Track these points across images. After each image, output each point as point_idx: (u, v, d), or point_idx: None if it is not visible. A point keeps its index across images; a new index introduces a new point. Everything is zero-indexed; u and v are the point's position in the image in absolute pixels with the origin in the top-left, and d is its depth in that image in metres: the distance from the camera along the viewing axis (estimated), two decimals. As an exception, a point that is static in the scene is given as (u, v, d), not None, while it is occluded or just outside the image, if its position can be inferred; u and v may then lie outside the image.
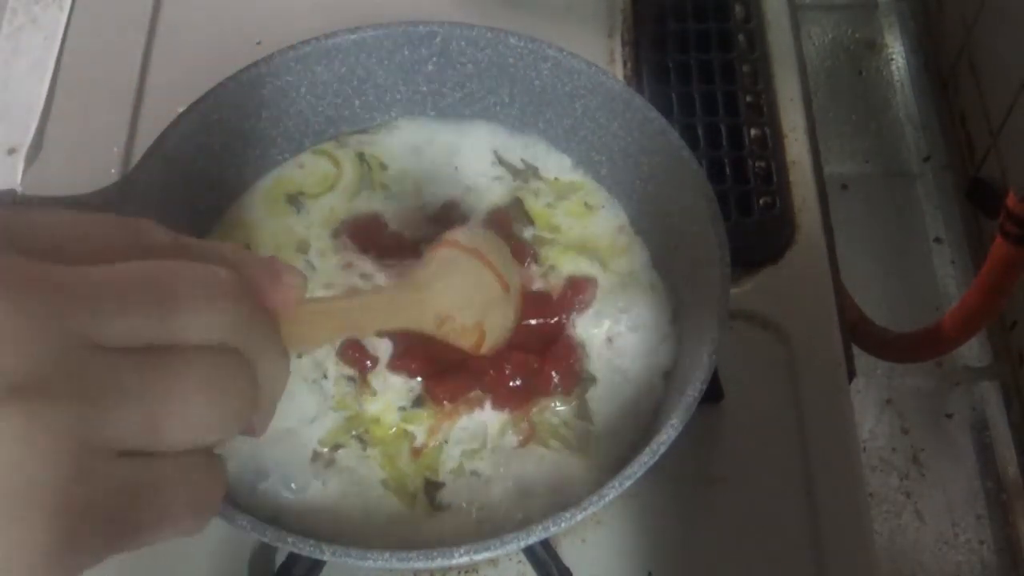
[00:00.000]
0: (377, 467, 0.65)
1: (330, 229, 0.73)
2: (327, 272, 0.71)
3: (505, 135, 0.77)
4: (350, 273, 0.71)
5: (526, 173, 0.76)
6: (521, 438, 0.66)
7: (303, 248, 0.72)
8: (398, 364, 0.67)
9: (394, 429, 0.66)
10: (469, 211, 0.74)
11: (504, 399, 0.66)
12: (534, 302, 0.70)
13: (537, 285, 0.71)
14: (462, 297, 0.56)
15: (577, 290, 0.70)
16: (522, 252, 0.71)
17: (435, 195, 0.75)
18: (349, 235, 0.72)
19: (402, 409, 0.66)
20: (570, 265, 0.71)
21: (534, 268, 0.71)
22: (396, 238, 0.72)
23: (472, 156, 0.76)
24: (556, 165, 0.76)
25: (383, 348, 0.68)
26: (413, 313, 0.55)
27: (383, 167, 0.76)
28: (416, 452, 0.65)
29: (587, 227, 0.74)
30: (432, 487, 0.65)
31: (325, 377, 0.67)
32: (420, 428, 0.66)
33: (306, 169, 0.76)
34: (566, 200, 0.75)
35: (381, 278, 0.70)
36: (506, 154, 0.76)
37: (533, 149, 0.76)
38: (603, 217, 0.74)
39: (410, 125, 0.77)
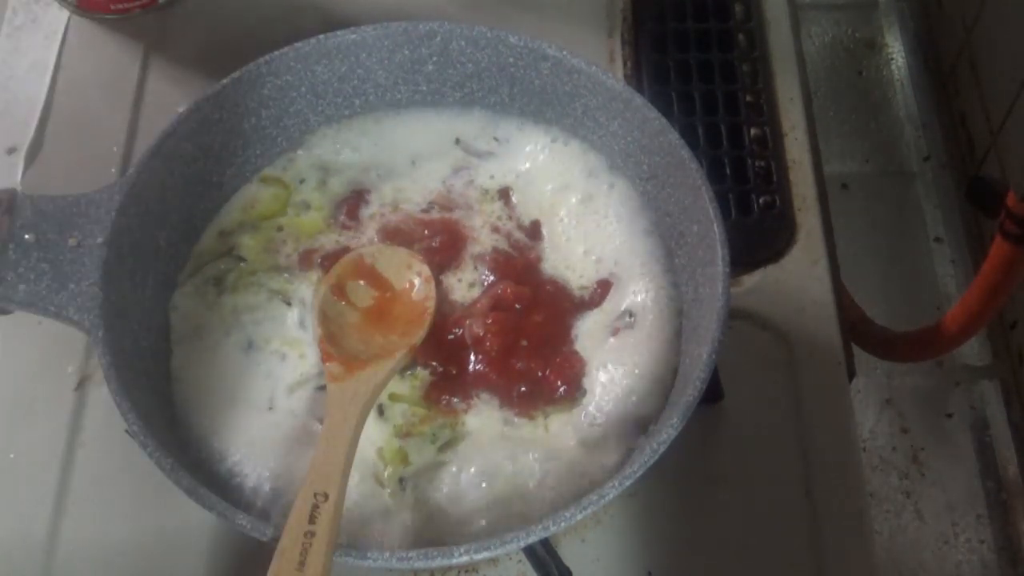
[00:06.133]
0: (361, 457, 0.64)
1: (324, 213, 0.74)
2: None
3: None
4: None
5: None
6: (516, 434, 0.66)
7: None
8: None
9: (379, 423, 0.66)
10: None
11: (508, 403, 0.66)
12: (548, 298, 0.70)
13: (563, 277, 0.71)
14: None
15: (605, 290, 0.70)
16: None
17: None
18: (346, 213, 0.73)
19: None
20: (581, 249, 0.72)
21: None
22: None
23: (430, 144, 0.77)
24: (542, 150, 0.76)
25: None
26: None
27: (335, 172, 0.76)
28: (403, 437, 0.65)
29: (587, 225, 0.74)
30: (412, 478, 0.64)
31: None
32: (407, 420, 0.66)
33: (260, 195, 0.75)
34: (563, 191, 0.75)
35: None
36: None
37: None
38: (603, 216, 0.74)
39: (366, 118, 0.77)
